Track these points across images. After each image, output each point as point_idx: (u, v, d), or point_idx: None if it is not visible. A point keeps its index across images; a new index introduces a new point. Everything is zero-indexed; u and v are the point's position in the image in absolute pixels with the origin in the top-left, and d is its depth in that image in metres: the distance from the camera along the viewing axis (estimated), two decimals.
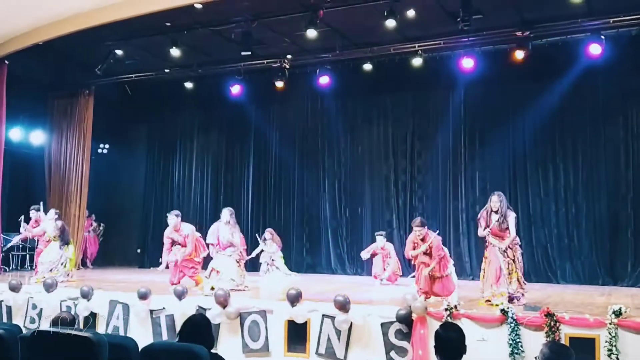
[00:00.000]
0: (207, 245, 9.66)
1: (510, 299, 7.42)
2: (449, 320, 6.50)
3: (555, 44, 10.92)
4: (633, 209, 11.03)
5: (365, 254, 11.21)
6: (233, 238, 9.50)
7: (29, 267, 12.99)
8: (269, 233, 12.58)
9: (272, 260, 12.38)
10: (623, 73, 10.96)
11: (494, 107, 12.17)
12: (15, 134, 13.70)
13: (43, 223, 10.97)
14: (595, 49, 10.23)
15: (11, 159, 12.81)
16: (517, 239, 7.90)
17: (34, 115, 13.99)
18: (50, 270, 10.31)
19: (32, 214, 11.58)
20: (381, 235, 11.16)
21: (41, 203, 11.73)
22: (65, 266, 10.56)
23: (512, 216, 7.80)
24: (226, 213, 9.64)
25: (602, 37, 10.16)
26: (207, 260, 9.84)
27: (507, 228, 7.72)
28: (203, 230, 10.19)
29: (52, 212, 10.81)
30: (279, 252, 12.51)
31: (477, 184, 12.41)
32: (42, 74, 13.02)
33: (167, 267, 9.61)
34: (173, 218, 9.56)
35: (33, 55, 11.84)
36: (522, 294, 7.72)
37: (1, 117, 12.26)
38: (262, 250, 12.39)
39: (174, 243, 9.53)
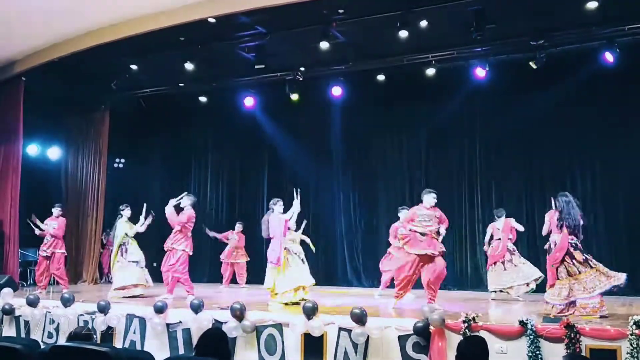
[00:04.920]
0: None
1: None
2: (468, 332, 6.42)
3: (570, 52, 10.85)
4: None
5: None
6: None
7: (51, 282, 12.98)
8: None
9: None
10: (639, 80, 10.85)
11: (509, 116, 12.04)
12: (32, 149, 13.84)
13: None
14: (609, 57, 10.20)
15: (28, 174, 12.90)
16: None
17: (51, 131, 14.13)
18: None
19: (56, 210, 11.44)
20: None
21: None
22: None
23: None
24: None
25: (616, 44, 10.11)
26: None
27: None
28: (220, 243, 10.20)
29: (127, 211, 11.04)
30: None
31: (493, 194, 12.35)
32: (58, 90, 13.14)
33: None
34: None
35: (49, 71, 12.00)
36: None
37: (18, 133, 12.41)
38: None
39: None
